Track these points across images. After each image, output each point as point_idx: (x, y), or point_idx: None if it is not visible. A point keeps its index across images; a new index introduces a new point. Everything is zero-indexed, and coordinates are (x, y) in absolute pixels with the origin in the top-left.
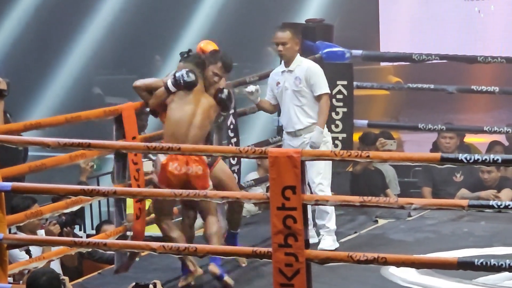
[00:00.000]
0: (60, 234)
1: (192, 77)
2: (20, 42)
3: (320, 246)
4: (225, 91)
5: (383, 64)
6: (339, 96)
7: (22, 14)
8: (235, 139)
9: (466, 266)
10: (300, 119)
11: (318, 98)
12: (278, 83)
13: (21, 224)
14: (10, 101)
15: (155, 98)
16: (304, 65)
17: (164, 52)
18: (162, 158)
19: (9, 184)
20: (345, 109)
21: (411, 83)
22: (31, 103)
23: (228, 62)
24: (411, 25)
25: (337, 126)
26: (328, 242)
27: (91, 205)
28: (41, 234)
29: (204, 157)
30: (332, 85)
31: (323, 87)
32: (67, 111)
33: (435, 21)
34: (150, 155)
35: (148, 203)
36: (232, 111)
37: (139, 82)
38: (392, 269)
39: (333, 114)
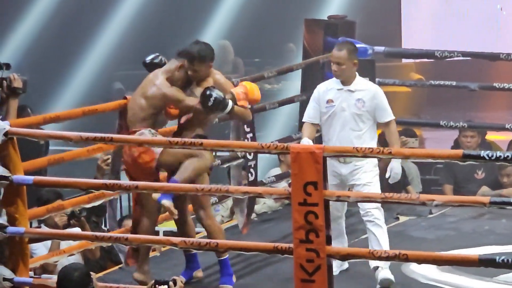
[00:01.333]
0: (67, 226)
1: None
2: (42, 37)
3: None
4: (209, 89)
5: (405, 61)
6: None
7: (44, 9)
8: (251, 134)
9: (487, 264)
10: (356, 146)
11: (386, 124)
12: (330, 101)
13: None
14: (32, 96)
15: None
16: (370, 88)
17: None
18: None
19: (31, 178)
20: None
21: (433, 80)
22: (53, 98)
23: (193, 53)
24: (433, 22)
25: None
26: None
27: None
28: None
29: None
30: None
31: (391, 113)
32: (87, 106)
33: (457, 18)
34: None
35: None
36: (249, 106)
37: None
38: (413, 266)
39: None
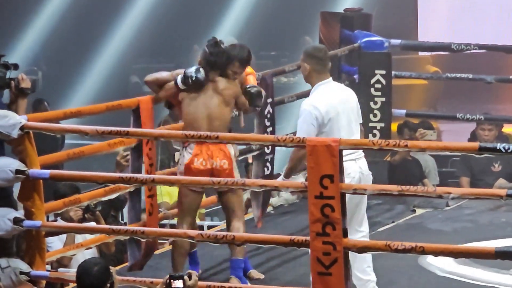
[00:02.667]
0: (82, 220)
1: (201, 75)
2: (59, 31)
3: None
4: (254, 87)
5: (421, 53)
6: (378, 86)
7: (60, 2)
8: (271, 128)
9: (504, 256)
10: None
11: None
12: None
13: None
14: (49, 89)
15: (165, 91)
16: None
17: (203, 41)
18: (187, 157)
19: (47, 172)
20: (383, 99)
21: (449, 73)
22: (69, 91)
23: (245, 57)
24: (449, 15)
25: (375, 115)
26: None
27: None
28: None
29: (231, 151)
30: (370, 74)
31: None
32: (104, 99)
33: (474, 11)
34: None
35: (166, 198)
36: (269, 99)
37: (150, 77)
38: (429, 259)
39: (371, 103)
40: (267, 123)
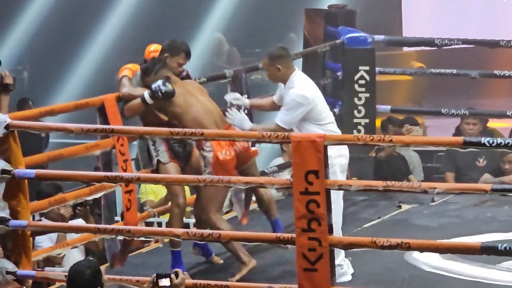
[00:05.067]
0: (74, 217)
1: (169, 86)
2: (43, 30)
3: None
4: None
5: (406, 49)
6: (361, 82)
7: (44, 2)
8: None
9: (489, 251)
10: None
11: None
12: None
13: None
14: (34, 89)
15: (131, 111)
16: (289, 91)
17: (186, 39)
18: (210, 155)
19: (32, 172)
20: (367, 95)
21: (433, 69)
22: (54, 90)
23: (189, 50)
24: (433, 10)
25: (359, 111)
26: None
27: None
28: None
29: None
30: (354, 71)
31: (281, 118)
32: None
33: (458, 6)
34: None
35: (151, 196)
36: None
37: (126, 93)
38: (415, 254)
39: (356, 99)
40: None
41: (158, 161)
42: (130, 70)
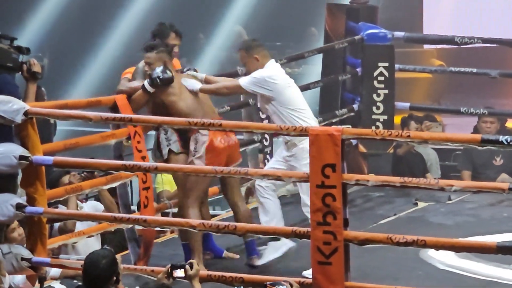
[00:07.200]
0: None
1: (168, 73)
2: (61, 22)
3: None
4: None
5: (426, 47)
6: (380, 78)
7: None
8: (266, 121)
9: (505, 251)
10: None
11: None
12: None
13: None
14: (51, 78)
15: (135, 103)
16: None
17: (208, 30)
18: (204, 139)
19: (51, 158)
20: (386, 91)
21: (454, 67)
22: (71, 83)
23: (177, 28)
24: (454, 8)
25: (378, 108)
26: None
27: (131, 181)
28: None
29: None
30: (373, 67)
31: (242, 79)
32: (108, 89)
33: (479, 4)
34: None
35: (167, 187)
36: None
37: (126, 87)
38: (431, 252)
39: (375, 96)
40: (262, 116)
41: (170, 150)
42: (130, 73)
